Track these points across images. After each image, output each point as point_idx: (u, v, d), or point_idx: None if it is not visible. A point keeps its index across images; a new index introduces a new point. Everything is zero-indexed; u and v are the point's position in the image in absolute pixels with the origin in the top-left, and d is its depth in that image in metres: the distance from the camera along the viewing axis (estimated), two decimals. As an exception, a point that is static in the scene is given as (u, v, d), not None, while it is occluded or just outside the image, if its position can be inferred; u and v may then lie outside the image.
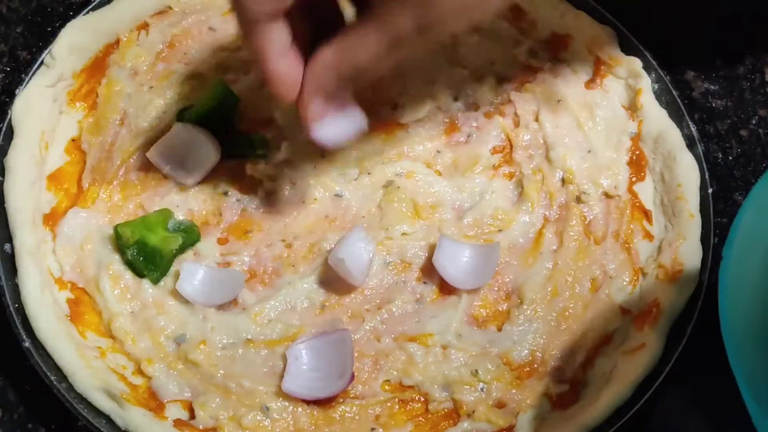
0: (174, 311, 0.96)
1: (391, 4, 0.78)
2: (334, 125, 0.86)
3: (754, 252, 0.78)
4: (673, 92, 1.08)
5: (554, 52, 1.11)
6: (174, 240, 0.98)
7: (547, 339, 0.97)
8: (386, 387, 0.95)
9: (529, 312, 0.98)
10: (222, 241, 1.01)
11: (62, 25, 1.07)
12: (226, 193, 1.02)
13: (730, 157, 1.13)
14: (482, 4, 0.80)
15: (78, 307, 0.97)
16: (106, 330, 0.96)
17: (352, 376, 0.93)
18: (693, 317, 0.97)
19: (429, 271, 1.00)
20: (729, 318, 0.73)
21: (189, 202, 1.02)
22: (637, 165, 1.06)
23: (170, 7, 1.12)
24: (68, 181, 1.03)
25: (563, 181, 1.04)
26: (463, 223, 1.02)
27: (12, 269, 0.96)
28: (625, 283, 1.00)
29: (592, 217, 1.03)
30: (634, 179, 1.05)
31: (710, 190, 1.03)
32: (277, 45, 0.81)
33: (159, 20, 1.11)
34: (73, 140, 1.05)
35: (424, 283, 1.00)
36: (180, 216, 1.01)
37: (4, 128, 1.01)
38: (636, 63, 1.08)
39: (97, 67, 1.08)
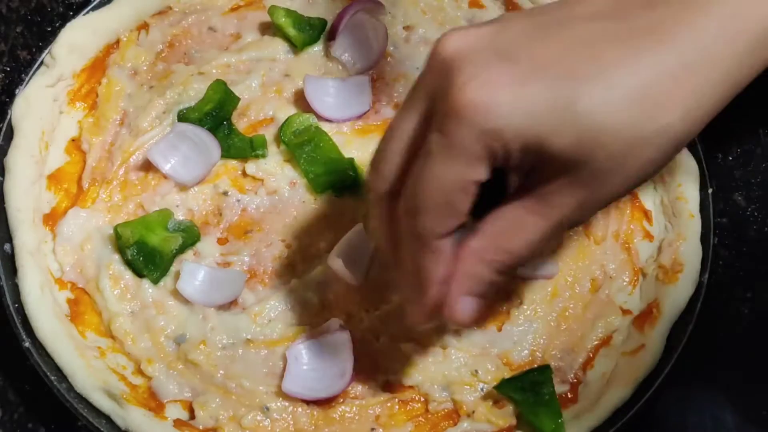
0: (174, 311, 0.96)
1: (559, 183, 0.66)
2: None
3: None
4: (673, 92, 1.08)
5: (554, 52, 1.11)
6: (174, 240, 0.98)
7: (547, 339, 0.97)
8: (386, 387, 0.95)
9: (529, 312, 0.98)
10: (222, 241, 1.01)
11: (62, 25, 1.07)
12: (226, 193, 1.02)
13: (730, 157, 1.13)
14: (648, 168, 0.67)
15: (78, 307, 0.97)
16: (106, 330, 0.96)
17: (352, 376, 0.93)
18: (693, 317, 0.97)
19: (429, 271, 0.99)
20: None
21: (189, 202, 1.02)
22: (637, 165, 1.06)
23: (170, 7, 1.12)
24: (68, 181, 1.03)
25: (563, 181, 1.04)
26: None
27: (12, 269, 0.96)
28: (625, 283, 1.00)
29: (592, 217, 1.03)
30: (634, 179, 1.05)
31: (710, 190, 1.03)
32: (443, 265, 0.71)
33: (159, 20, 1.11)
34: (73, 140, 1.05)
35: (424, 283, 0.99)
36: (180, 216, 1.01)
37: (4, 128, 1.02)
38: (636, 63, 1.08)
39: (97, 67, 1.08)
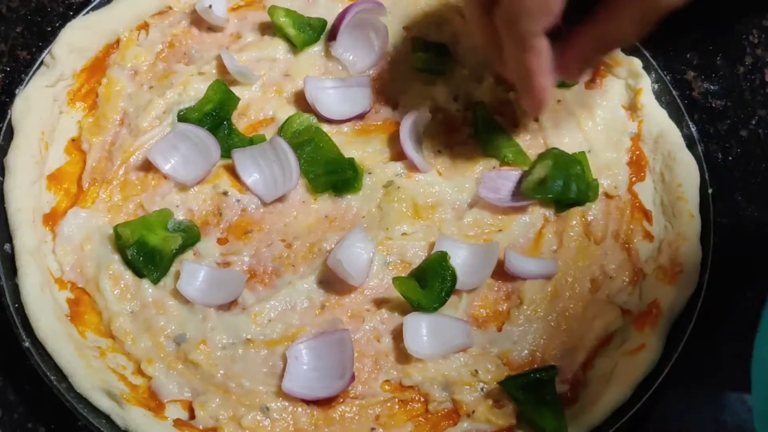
0: (174, 311, 0.96)
1: None
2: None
3: None
4: (673, 92, 1.08)
5: (554, 52, 1.11)
6: (174, 240, 0.98)
7: (547, 339, 0.97)
8: (386, 387, 0.95)
9: (529, 312, 0.98)
10: (222, 241, 1.01)
11: (62, 25, 1.08)
12: (226, 193, 1.02)
13: (730, 157, 1.13)
14: None
15: (78, 307, 0.97)
16: (106, 330, 0.96)
17: (353, 376, 0.93)
18: (693, 317, 0.97)
19: (429, 271, 0.99)
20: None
21: (189, 202, 1.02)
22: (637, 165, 1.06)
23: (170, 7, 1.12)
24: (68, 181, 1.03)
25: (563, 181, 1.04)
26: (463, 223, 1.02)
27: (12, 269, 0.96)
28: (625, 283, 1.00)
29: (592, 217, 1.03)
30: (634, 179, 1.05)
31: (710, 190, 1.03)
32: (545, 59, 0.89)
33: (159, 20, 1.11)
34: (73, 140, 1.05)
35: (424, 283, 0.99)
36: (180, 216, 1.01)
37: (4, 128, 1.02)
38: (636, 63, 1.08)
39: (98, 67, 1.08)
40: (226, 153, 1.03)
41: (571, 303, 0.99)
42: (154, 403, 0.93)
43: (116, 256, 0.98)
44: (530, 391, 0.91)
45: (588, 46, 0.92)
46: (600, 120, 1.07)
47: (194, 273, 0.96)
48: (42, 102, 1.03)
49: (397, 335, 0.96)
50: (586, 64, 0.96)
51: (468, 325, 0.96)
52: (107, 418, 0.91)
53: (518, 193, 1.02)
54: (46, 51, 1.05)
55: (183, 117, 1.04)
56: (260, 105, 1.08)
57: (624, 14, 0.88)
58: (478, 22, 0.93)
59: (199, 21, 1.12)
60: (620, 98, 1.09)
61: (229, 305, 0.97)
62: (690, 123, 1.07)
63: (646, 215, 1.04)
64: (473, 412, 0.93)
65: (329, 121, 1.06)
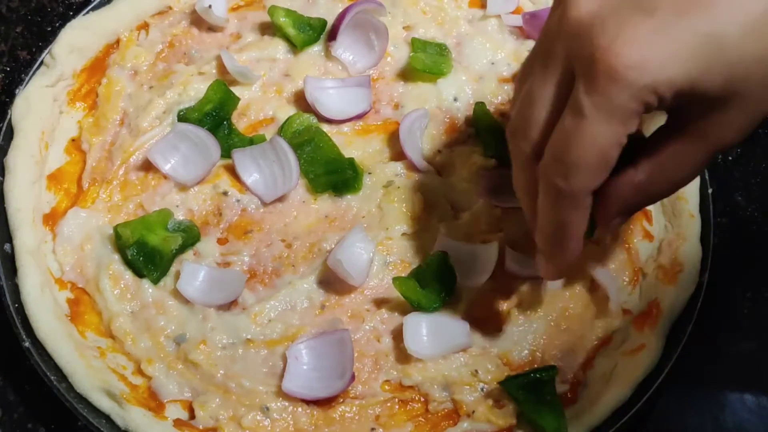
0: (174, 311, 0.96)
1: (714, 115, 0.71)
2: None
3: None
4: (673, 92, 1.08)
5: (554, 52, 1.11)
6: (174, 240, 0.98)
7: (547, 339, 0.97)
8: (386, 387, 0.95)
9: (529, 312, 0.98)
10: (222, 241, 1.01)
11: (62, 25, 1.08)
12: (226, 193, 1.02)
13: (730, 157, 1.13)
14: None
15: (78, 307, 0.97)
16: (106, 330, 0.96)
17: (353, 376, 0.92)
18: (693, 317, 0.97)
19: (429, 271, 0.99)
20: None
21: (189, 202, 1.02)
22: (637, 165, 1.06)
23: (170, 7, 1.12)
24: (68, 181, 1.03)
25: (563, 181, 1.04)
26: (463, 223, 1.02)
27: (12, 269, 0.96)
28: (625, 283, 1.00)
29: (592, 217, 1.03)
30: (634, 179, 1.05)
31: (710, 190, 1.03)
32: (584, 221, 0.77)
33: (159, 20, 1.11)
34: (73, 140, 1.06)
35: (425, 283, 0.99)
36: (180, 216, 1.01)
37: (4, 128, 1.02)
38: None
39: (98, 67, 1.08)
40: (226, 153, 1.03)
41: (570, 303, 0.99)
42: (154, 403, 0.93)
43: (116, 256, 0.98)
44: (530, 391, 0.91)
45: (632, 195, 0.77)
46: (600, 120, 1.07)
47: (194, 273, 0.96)
48: (42, 102, 1.03)
49: (397, 335, 0.96)
50: (626, 216, 0.81)
51: (468, 325, 0.96)
52: (107, 418, 0.91)
53: None
54: (46, 51, 1.05)
55: (183, 117, 1.05)
56: (260, 105, 1.08)
57: (677, 159, 0.75)
58: (523, 174, 0.80)
59: (199, 21, 1.12)
60: (620, 98, 1.09)
61: (229, 305, 0.97)
62: (690, 123, 1.06)
63: (646, 215, 1.04)
64: (473, 412, 0.93)
65: (329, 121, 1.06)
